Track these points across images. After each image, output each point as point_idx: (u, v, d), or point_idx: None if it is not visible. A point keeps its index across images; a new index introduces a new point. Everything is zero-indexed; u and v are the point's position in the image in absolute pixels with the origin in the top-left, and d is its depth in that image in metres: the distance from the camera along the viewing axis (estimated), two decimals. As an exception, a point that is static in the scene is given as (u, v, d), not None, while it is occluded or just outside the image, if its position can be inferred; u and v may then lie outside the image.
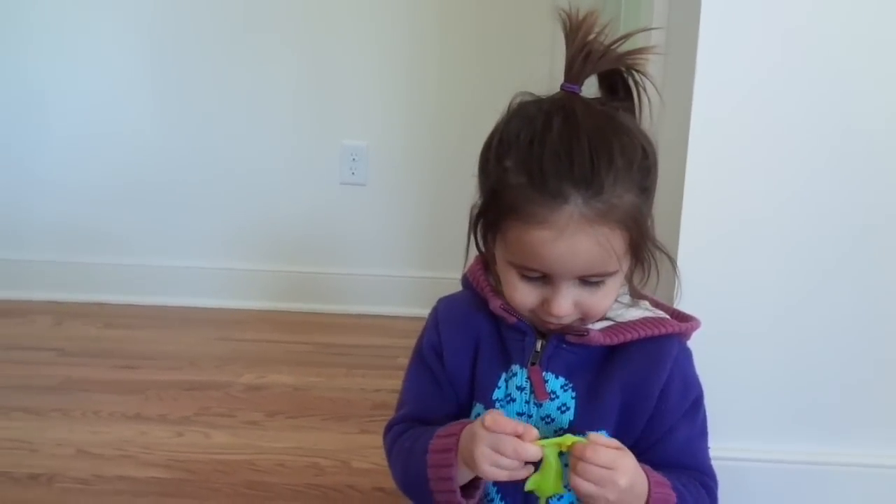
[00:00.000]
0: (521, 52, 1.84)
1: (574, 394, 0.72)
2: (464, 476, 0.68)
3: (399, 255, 2.02)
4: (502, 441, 0.63)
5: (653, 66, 0.98)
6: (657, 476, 0.67)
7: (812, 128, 0.97)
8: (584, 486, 0.63)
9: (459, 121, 1.89)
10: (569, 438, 0.65)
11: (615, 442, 0.67)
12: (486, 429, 0.64)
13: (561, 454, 0.65)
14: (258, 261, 2.03)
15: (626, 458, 0.65)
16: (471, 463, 0.65)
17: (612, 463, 0.64)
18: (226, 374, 1.60)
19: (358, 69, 1.95)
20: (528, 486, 0.66)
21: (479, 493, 0.70)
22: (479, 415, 0.74)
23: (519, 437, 0.64)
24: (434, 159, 1.96)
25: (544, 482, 0.65)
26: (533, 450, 0.64)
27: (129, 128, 1.97)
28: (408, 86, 1.96)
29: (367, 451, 1.29)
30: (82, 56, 1.93)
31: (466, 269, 0.79)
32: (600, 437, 0.66)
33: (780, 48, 0.95)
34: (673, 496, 0.67)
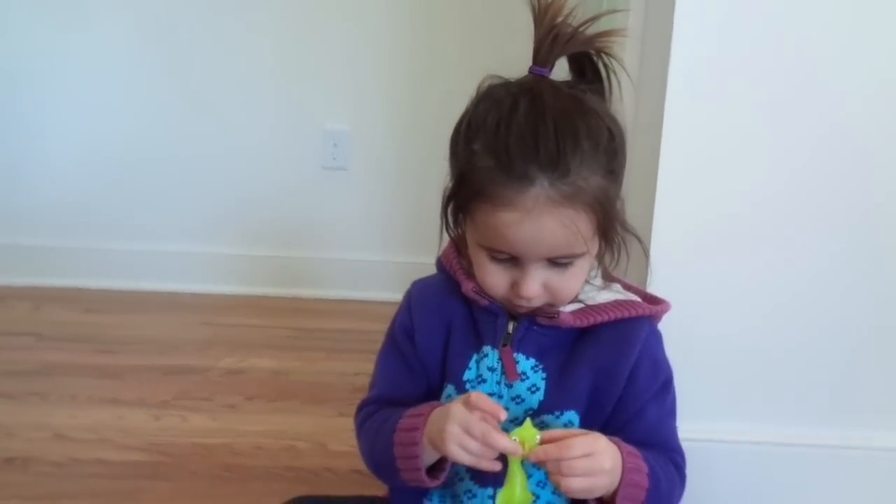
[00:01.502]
0: (503, 35, 1.83)
1: (544, 375, 0.73)
2: (431, 457, 0.69)
3: (380, 239, 2.01)
4: (473, 423, 0.63)
5: (629, 49, 0.99)
6: (627, 446, 0.68)
7: (786, 112, 0.98)
8: (576, 482, 0.63)
9: (442, 105, 1.86)
10: (529, 431, 0.64)
11: (577, 430, 0.67)
12: (469, 404, 0.64)
13: (522, 463, 0.65)
14: (239, 246, 2.01)
15: (599, 440, 0.66)
16: (438, 441, 0.65)
17: (590, 449, 0.64)
18: (205, 359, 1.60)
19: (339, 52, 1.93)
20: (499, 502, 0.65)
21: (444, 475, 0.71)
22: (449, 396, 0.75)
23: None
24: (416, 144, 1.95)
25: (512, 494, 0.65)
26: (503, 441, 0.63)
27: (108, 113, 1.94)
28: (390, 69, 1.95)
29: (345, 434, 1.28)
30: (60, 42, 1.90)
31: (441, 253, 0.80)
32: (557, 432, 0.65)
33: (755, 32, 0.95)
34: (644, 466, 0.68)
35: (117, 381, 1.48)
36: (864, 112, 0.98)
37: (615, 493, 0.66)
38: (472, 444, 0.63)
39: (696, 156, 0.98)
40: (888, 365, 1.06)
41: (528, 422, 0.66)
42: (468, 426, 0.64)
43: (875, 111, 0.98)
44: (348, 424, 1.31)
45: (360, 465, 1.16)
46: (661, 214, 0.98)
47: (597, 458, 0.64)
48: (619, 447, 0.67)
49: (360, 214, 2.01)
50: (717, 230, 1.00)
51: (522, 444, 0.64)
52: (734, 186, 1.00)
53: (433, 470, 0.70)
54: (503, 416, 0.64)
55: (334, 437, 1.30)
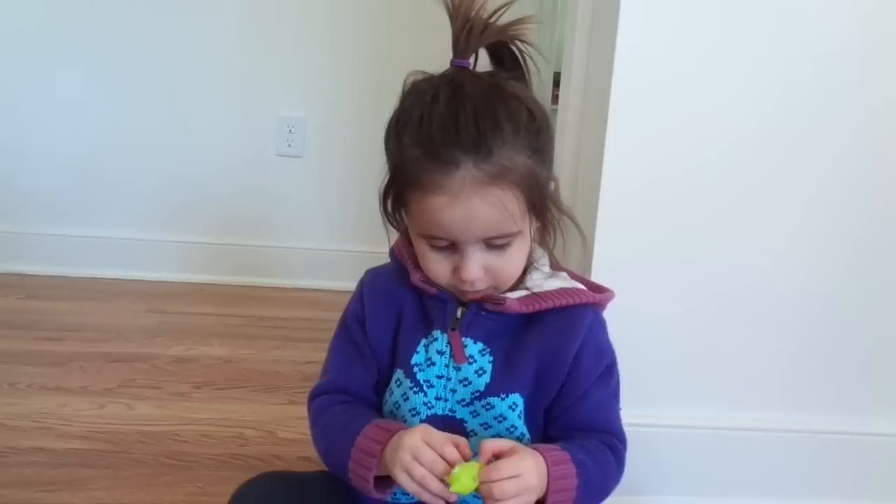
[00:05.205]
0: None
1: (492, 358, 0.74)
2: (383, 468, 0.69)
3: (334, 228, 2.00)
4: (423, 452, 0.64)
5: (578, 38, 1.00)
6: (554, 453, 0.69)
7: (728, 98, 1.00)
8: (508, 502, 0.64)
9: (397, 95, 1.87)
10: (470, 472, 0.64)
11: (507, 442, 0.68)
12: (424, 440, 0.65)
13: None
14: (191, 233, 1.98)
15: (525, 458, 0.66)
16: (390, 465, 0.67)
17: (516, 469, 0.65)
18: (154, 347, 1.57)
19: (296, 38, 1.92)
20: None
21: (389, 493, 0.71)
22: (399, 380, 0.76)
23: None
24: (372, 132, 1.90)
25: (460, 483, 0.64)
26: (434, 484, 0.64)
27: (59, 96, 1.89)
28: (347, 56, 1.93)
29: (294, 422, 1.29)
30: (12, 23, 1.84)
31: (393, 243, 0.80)
32: (491, 443, 0.67)
33: (700, 24, 0.98)
34: (572, 468, 0.69)
35: (60, 368, 1.44)
36: (813, 86, 1.00)
37: (544, 499, 0.68)
38: (418, 472, 0.64)
39: (639, 145, 1.00)
40: (831, 348, 1.09)
41: (475, 464, 0.65)
42: (418, 454, 0.65)
43: (821, 83, 1.00)
44: (298, 412, 1.31)
45: (309, 452, 1.16)
46: (606, 204, 1.00)
47: (524, 478, 0.65)
48: (545, 457, 0.68)
49: (315, 202, 2.00)
50: (660, 219, 1.02)
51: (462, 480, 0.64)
52: (679, 178, 1.02)
53: (384, 478, 0.70)
54: (462, 443, 0.66)
55: (283, 425, 1.29)
